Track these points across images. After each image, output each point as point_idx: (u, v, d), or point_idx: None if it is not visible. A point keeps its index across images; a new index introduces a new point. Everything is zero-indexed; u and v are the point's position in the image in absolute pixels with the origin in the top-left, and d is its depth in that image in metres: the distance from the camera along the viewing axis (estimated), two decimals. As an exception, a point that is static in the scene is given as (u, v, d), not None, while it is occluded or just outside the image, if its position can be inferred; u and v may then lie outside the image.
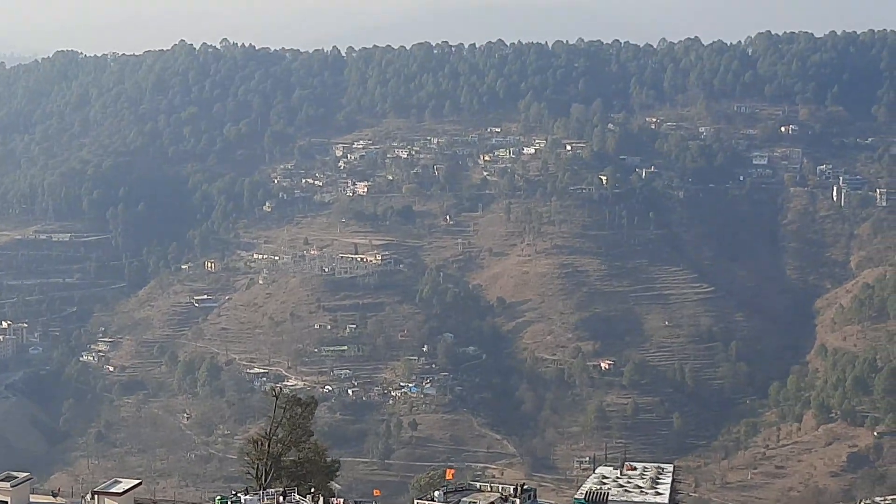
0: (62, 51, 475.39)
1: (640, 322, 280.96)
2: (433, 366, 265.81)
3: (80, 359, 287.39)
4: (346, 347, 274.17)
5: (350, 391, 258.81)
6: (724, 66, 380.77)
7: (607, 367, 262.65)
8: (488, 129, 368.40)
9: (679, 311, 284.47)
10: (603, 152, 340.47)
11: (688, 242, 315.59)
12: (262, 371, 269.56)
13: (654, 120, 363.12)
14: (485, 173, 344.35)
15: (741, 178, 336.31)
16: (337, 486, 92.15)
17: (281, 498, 69.51)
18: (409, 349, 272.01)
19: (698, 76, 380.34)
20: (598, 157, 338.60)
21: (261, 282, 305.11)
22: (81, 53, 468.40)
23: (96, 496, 71.41)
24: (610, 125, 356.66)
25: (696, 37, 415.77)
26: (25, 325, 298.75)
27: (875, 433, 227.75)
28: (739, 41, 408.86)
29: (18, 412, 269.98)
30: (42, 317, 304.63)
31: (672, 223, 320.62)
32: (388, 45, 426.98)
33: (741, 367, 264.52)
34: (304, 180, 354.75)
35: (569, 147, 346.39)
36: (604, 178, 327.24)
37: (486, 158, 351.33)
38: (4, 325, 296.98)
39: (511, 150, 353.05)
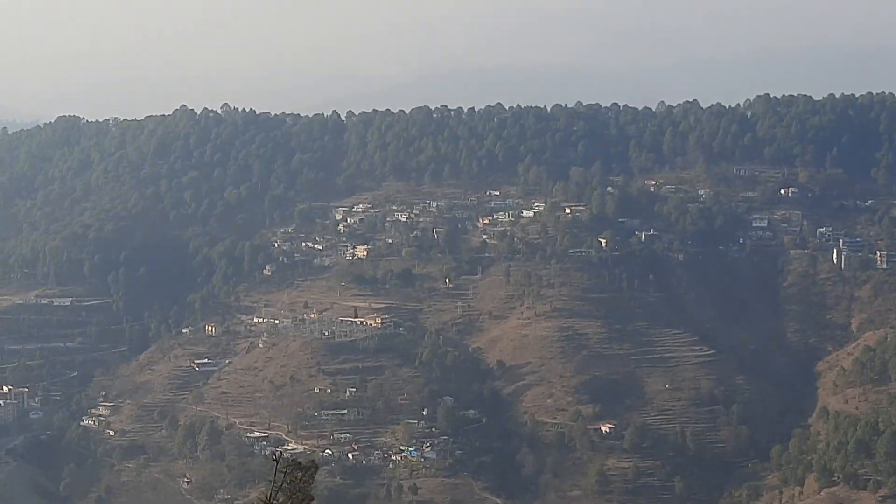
0: (64, 116, 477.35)
1: (641, 385, 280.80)
2: (433, 429, 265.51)
3: (81, 423, 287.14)
4: (346, 411, 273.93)
5: (350, 455, 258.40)
6: (723, 129, 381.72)
7: (608, 430, 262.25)
8: (487, 193, 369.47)
9: (680, 374, 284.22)
10: (602, 215, 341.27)
11: (688, 305, 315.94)
12: (263, 435, 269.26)
13: (654, 183, 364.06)
14: (484, 236, 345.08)
15: (741, 240, 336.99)
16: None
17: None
18: (409, 412, 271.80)
19: (697, 139, 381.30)
20: (597, 219, 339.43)
21: (261, 345, 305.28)
22: (83, 118, 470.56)
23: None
24: (609, 188, 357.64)
25: (695, 100, 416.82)
26: (26, 389, 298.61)
27: (877, 497, 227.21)
28: (738, 104, 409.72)
29: (19, 477, 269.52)
30: (43, 381, 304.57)
31: (672, 286, 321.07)
32: (388, 109, 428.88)
33: (743, 430, 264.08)
34: (304, 244, 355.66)
35: (568, 210, 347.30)
36: (603, 240, 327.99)
37: (486, 221, 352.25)
38: (5, 389, 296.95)
39: (510, 213, 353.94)
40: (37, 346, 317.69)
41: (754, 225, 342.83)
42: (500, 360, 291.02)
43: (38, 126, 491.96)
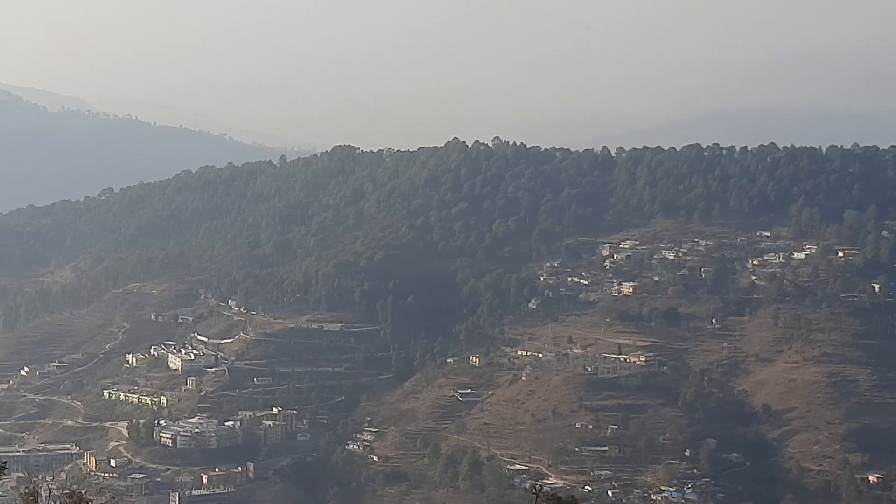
0: (340, 146, 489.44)
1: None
2: (695, 471, 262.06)
3: (346, 447, 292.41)
4: (606, 448, 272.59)
5: (610, 492, 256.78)
6: None
7: (875, 480, 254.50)
8: (757, 233, 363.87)
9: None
10: (876, 259, 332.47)
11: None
12: (523, 467, 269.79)
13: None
14: (753, 277, 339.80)
15: None
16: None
17: None
18: (671, 453, 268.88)
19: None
20: (870, 264, 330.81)
21: (524, 378, 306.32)
22: (358, 149, 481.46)
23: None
24: (884, 232, 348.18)
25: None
26: (295, 411, 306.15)
27: None
28: None
29: (285, 497, 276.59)
30: (311, 404, 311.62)
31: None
32: (658, 147, 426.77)
33: None
34: (570, 278, 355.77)
35: (840, 253, 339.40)
36: (876, 286, 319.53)
37: (755, 262, 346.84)
38: (275, 411, 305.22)
39: (780, 254, 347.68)
40: (306, 369, 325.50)
41: None
42: (765, 403, 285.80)
43: (315, 155, 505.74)
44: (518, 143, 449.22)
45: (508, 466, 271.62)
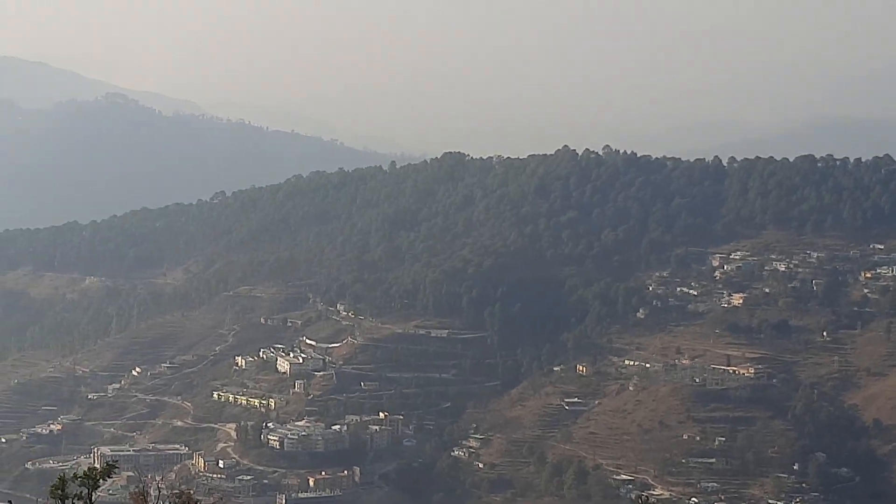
0: (450, 152, 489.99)
1: None
2: (804, 485, 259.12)
3: (452, 454, 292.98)
4: (713, 460, 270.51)
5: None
6: None
7: None
8: (871, 246, 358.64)
9: None
10: None
11: None
12: (629, 478, 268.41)
13: None
14: (865, 290, 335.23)
15: None
16: None
17: None
18: (779, 466, 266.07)
19: None
20: None
21: (631, 388, 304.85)
22: (468, 155, 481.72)
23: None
24: None
25: None
26: (401, 417, 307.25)
27: None
28: None
29: (390, 502, 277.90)
30: (417, 410, 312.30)
31: None
32: (771, 157, 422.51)
33: None
34: (679, 288, 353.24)
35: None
36: None
37: (868, 275, 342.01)
38: (381, 416, 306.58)
39: (894, 268, 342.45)
40: (413, 375, 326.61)
41: None
42: (876, 418, 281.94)
43: (425, 161, 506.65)
44: (628, 152, 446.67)
45: (614, 476, 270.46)
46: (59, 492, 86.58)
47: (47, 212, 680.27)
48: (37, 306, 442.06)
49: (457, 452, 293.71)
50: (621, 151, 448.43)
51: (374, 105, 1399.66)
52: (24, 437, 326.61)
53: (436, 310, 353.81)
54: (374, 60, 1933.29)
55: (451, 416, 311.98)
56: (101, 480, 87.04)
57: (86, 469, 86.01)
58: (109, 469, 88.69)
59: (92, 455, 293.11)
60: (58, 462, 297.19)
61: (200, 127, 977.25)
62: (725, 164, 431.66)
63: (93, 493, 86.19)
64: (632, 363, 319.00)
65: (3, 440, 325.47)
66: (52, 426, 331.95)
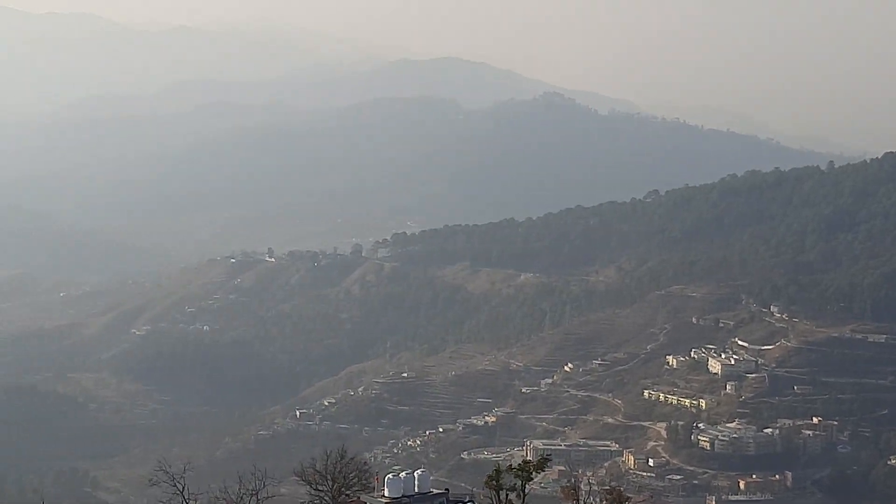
0: (891, 152, 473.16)
1: None
2: None
3: (889, 462, 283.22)
4: None
5: None
6: None
7: None
8: None
9: None
10: None
11: None
12: None
13: None
14: None
15: None
16: None
17: None
18: None
19: None
20: None
21: None
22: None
23: None
24: None
25: None
26: (836, 422, 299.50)
27: None
28: None
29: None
30: (853, 416, 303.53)
31: None
32: None
33: None
34: None
35: None
36: None
37: None
38: (815, 420, 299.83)
39: None
40: (848, 380, 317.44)
41: None
42: None
43: (864, 161, 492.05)
44: None
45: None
46: (495, 482, 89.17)
47: (485, 208, 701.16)
48: (474, 300, 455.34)
49: (894, 461, 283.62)
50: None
51: (812, 104, 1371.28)
52: (461, 428, 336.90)
53: (874, 314, 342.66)
54: (811, 59, 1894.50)
55: (888, 423, 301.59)
56: (534, 473, 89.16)
57: (520, 462, 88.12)
58: (543, 462, 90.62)
59: (524, 448, 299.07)
60: (492, 453, 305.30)
61: (636, 126, 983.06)
62: None
63: (526, 486, 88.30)
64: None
65: (441, 430, 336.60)
66: (486, 418, 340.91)
